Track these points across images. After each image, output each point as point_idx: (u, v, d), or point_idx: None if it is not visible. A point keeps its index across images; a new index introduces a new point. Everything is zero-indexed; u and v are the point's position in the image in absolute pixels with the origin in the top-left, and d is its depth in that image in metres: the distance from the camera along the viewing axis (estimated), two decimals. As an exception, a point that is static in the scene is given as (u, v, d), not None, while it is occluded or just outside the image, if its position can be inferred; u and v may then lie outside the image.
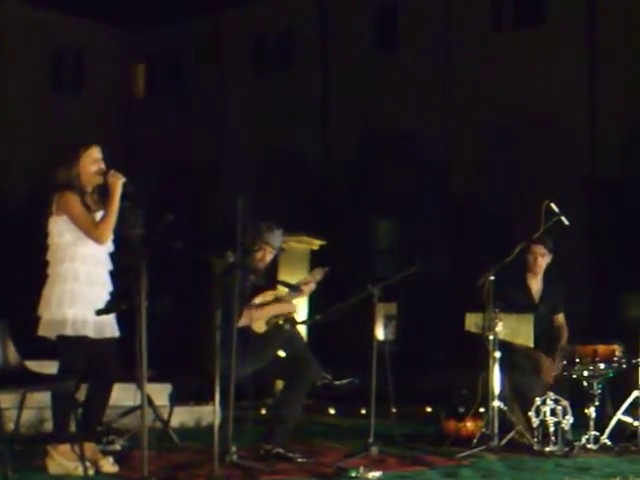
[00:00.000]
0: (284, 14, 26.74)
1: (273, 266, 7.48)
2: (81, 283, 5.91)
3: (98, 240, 5.92)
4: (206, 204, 25.87)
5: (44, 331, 5.94)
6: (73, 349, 5.87)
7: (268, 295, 6.91)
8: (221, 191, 25.57)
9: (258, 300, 6.82)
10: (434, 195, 23.57)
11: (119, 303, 5.66)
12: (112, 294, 6.02)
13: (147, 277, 5.13)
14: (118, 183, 5.94)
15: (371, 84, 24.70)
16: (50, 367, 6.01)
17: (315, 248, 14.62)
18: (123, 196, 5.95)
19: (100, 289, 5.95)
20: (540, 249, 8.22)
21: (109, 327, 6.01)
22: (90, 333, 5.89)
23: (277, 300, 6.91)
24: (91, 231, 5.91)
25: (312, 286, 7.01)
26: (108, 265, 6.09)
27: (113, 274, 6.08)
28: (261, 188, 24.30)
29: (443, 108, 24.06)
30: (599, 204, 21.54)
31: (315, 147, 25.96)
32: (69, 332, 5.85)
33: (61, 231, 5.97)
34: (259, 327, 6.72)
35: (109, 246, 6.08)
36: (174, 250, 5.45)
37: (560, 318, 8.44)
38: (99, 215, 5.99)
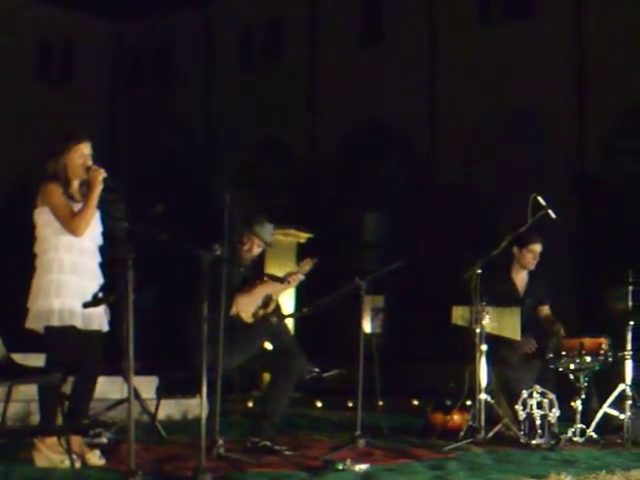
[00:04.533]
0: (272, 5, 26.71)
1: (260, 259, 7.48)
2: (66, 273, 5.90)
3: (74, 232, 5.91)
4: (194, 196, 25.82)
5: (31, 323, 5.94)
6: (60, 340, 5.85)
7: (254, 284, 6.90)
8: (209, 183, 25.54)
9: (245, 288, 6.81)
10: (421, 188, 23.60)
11: (105, 296, 5.64)
12: (102, 286, 6.01)
13: (134, 270, 5.12)
14: (99, 178, 5.95)
15: (358, 76, 24.70)
16: (37, 360, 6.00)
17: (302, 241, 14.65)
18: (104, 190, 5.96)
19: (88, 280, 5.93)
20: (539, 247, 8.27)
21: (97, 319, 5.99)
22: (77, 323, 5.89)
23: (262, 283, 6.87)
24: (67, 222, 5.92)
25: (300, 277, 7.00)
26: (97, 257, 6.08)
27: (102, 267, 6.08)
28: (249, 180, 24.26)
29: (429, 101, 24.09)
30: (585, 200, 21.60)
31: (302, 139, 25.95)
32: (55, 322, 5.84)
33: (45, 222, 5.97)
34: (247, 316, 6.72)
35: (97, 238, 6.09)
36: (160, 242, 5.43)
37: (546, 309, 8.47)
38: (80, 206, 6.00)
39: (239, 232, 6.81)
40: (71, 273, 5.92)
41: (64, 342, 5.86)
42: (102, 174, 5.95)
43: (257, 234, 6.89)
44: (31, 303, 5.93)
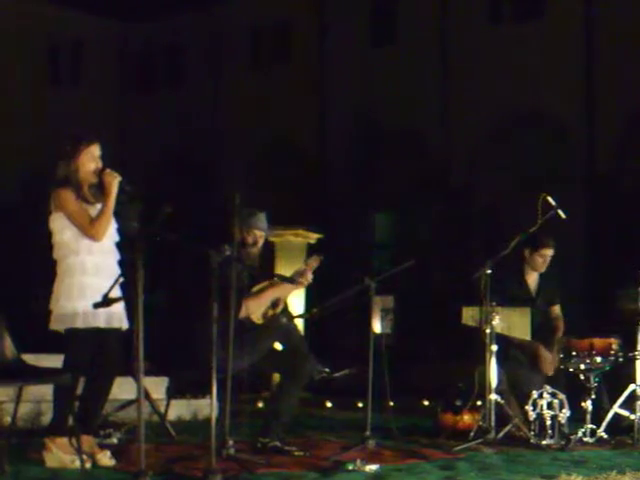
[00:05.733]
0: (282, 7, 26.70)
1: (270, 260, 7.49)
2: (89, 275, 5.91)
3: (93, 238, 5.93)
4: (204, 197, 25.84)
5: (55, 325, 5.94)
6: (82, 342, 5.88)
7: (264, 285, 6.89)
8: (219, 184, 25.57)
9: (254, 290, 6.81)
10: (431, 189, 23.57)
11: (117, 296, 5.65)
12: (112, 285, 6.00)
13: (144, 270, 5.12)
14: (114, 182, 5.95)
15: (369, 78, 24.69)
16: (48, 360, 6.01)
17: (312, 242, 14.63)
18: (120, 194, 5.96)
19: (108, 279, 5.82)
20: (551, 251, 8.28)
21: (117, 317, 6.00)
22: (100, 324, 5.90)
23: (272, 285, 6.87)
24: (86, 229, 5.92)
25: (310, 277, 6.99)
26: (116, 255, 6.09)
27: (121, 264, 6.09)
28: (259, 181, 24.29)
29: (441, 102, 24.06)
30: (596, 200, 21.54)
31: (312, 141, 25.95)
32: (80, 325, 5.85)
33: (61, 228, 5.97)
34: (257, 318, 6.72)
35: (114, 236, 6.10)
36: (170, 243, 5.44)
37: (556, 310, 8.48)
38: (98, 207, 6.00)
39: (238, 232, 6.79)
40: (94, 275, 5.92)
41: (86, 344, 5.89)
42: (117, 178, 5.96)
43: (255, 225, 6.89)
44: (53, 305, 5.94)
